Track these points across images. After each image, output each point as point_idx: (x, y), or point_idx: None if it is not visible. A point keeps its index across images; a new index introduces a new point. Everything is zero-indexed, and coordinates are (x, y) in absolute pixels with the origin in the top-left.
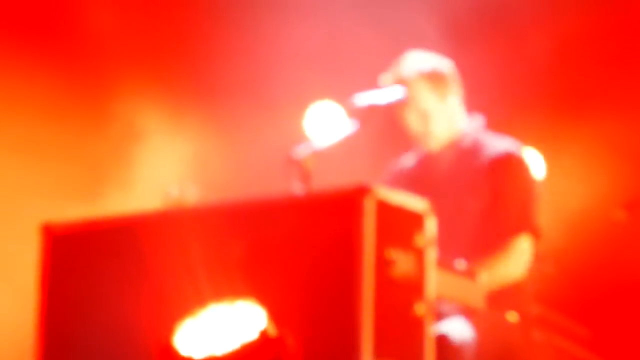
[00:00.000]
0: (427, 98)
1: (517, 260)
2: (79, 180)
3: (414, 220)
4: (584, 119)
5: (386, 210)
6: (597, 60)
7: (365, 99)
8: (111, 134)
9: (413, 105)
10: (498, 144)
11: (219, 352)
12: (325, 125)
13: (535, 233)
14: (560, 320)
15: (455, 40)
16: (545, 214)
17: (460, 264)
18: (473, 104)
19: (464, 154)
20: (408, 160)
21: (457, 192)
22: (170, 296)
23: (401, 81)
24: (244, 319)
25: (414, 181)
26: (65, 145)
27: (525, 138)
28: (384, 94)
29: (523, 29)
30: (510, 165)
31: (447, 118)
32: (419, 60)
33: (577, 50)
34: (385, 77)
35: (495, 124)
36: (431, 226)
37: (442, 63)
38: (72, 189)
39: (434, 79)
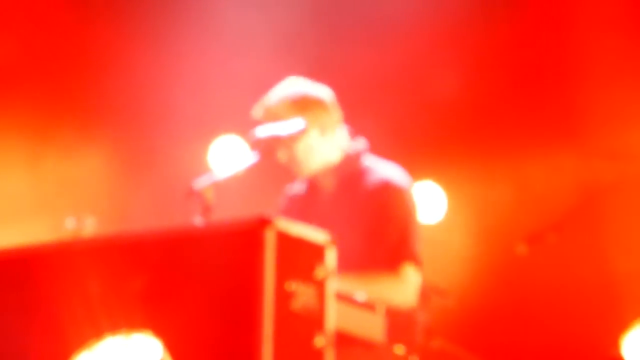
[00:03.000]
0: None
1: (407, 287)
2: None
3: (315, 252)
4: (487, 154)
5: (286, 242)
6: (502, 97)
7: (266, 130)
8: (11, 160)
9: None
10: (380, 171)
11: None
12: (228, 158)
13: (417, 263)
14: (461, 354)
15: (360, 72)
16: (448, 247)
17: (361, 295)
18: (373, 135)
19: (347, 180)
20: (298, 186)
21: (337, 221)
22: (66, 328)
23: (268, 110)
24: (140, 351)
25: (302, 209)
26: None
27: (427, 172)
28: (285, 126)
29: (428, 67)
30: (389, 193)
31: (315, 144)
32: (289, 87)
33: (482, 86)
34: (256, 107)
35: (395, 157)
36: (331, 258)
37: (314, 89)
38: None
39: (300, 105)
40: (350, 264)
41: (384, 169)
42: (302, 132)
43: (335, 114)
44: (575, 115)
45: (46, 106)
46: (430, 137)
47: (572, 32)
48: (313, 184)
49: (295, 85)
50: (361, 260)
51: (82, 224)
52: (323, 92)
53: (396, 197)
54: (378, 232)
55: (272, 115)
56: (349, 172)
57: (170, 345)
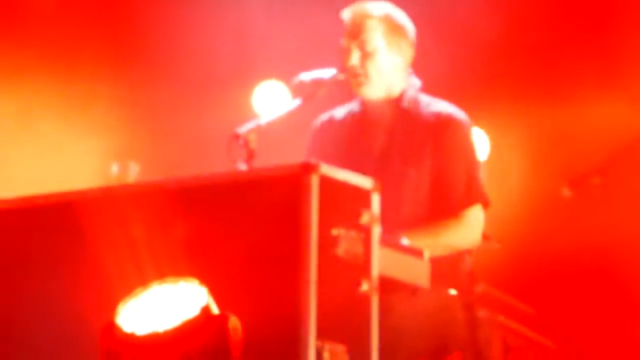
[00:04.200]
0: (376, 40)
1: (472, 228)
2: (21, 154)
3: (360, 198)
4: (530, 98)
5: (331, 188)
6: (544, 42)
7: (309, 75)
8: (54, 106)
9: (360, 43)
10: (439, 105)
11: (162, 329)
12: (272, 103)
13: (485, 203)
14: (504, 298)
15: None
16: (491, 191)
17: (405, 240)
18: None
19: (403, 114)
20: (336, 115)
21: (399, 158)
22: (112, 275)
23: (360, 16)
24: (187, 298)
25: (347, 143)
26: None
27: (470, 115)
28: (328, 72)
29: (471, 9)
30: (454, 129)
31: (389, 69)
32: (386, 6)
33: (525, 30)
34: (347, 11)
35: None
36: (376, 203)
37: (405, 19)
38: (15, 164)
39: (392, 26)
40: (412, 204)
41: (442, 104)
42: (343, 80)
43: (411, 50)
44: (622, 60)
45: (90, 53)
46: (473, 81)
47: None
48: (361, 113)
49: (390, 6)
50: (426, 197)
51: (126, 170)
52: (410, 24)
53: (461, 131)
54: (446, 173)
55: (359, 22)
56: (406, 106)
57: (216, 292)
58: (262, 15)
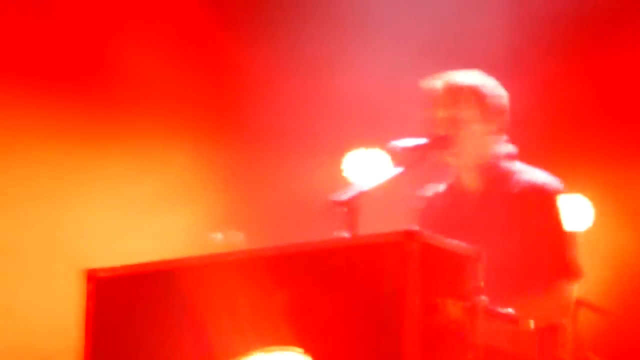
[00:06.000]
0: (469, 110)
1: (561, 302)
2: (118, 224)
3: (463, 266)
4: (634, 163)
5: (434, 255)
6: None
7: (409, 142)
8: (152, 179)
9: (453, 113)
10: (533, 174)
11: None
12: (366, 170)
13: (576, 275)
14: None
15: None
16: (596, 258)
17: (507, 310)
18: (518, 141)
19: (494, 182)
20: (435, 187)
21: (487, 228)
22: (214, 343)
23: (451, 85)
24: None
25: (446, 210)
26: (101, 189)
27: (573, 184)
28: (429, 139)
29: (564, 71)
30: (547, 199)
31: (482, 138)
32: (476, 75)
33: (628, 92)
34: (436, 80)
35: (542, 167)
36: (480, 272)
37: (498, 87)
38: (111, 233)
39: (483, 95)
40: (503, 268)
41: (537, 173)
42: (445, 144)
43: (506, 119)
44: None
45: (188, 120)
46: (576, 147)
47: None
48: (457, 183)
49: (481, 76)
50: (517, 265)
51: (231, 238)
52: (502, 92)
53: (554, 202)
54: (537, 241)
55: (452, 93)
56: (498, 174)
57: None
58: (361, 80)
